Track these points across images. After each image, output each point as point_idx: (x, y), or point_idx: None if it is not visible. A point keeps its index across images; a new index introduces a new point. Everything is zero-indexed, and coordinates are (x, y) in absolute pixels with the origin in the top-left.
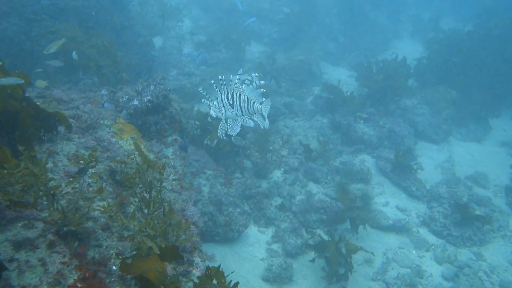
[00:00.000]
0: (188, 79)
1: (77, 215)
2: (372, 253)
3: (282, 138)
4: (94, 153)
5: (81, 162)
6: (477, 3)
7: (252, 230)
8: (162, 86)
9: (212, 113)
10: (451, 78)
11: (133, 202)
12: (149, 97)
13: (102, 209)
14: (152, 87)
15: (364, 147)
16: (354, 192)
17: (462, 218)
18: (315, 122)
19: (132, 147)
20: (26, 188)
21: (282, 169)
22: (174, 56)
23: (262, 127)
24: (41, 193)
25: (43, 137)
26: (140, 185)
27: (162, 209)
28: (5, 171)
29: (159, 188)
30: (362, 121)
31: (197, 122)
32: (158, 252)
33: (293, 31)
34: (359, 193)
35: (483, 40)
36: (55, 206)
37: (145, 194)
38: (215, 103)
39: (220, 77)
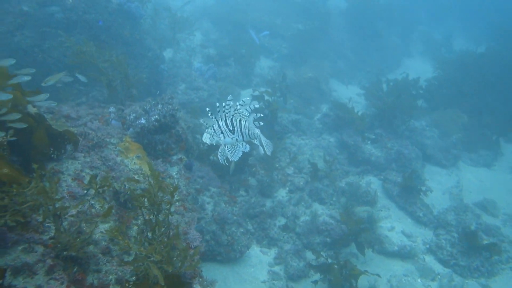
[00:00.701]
0: (196, 93)
1: (78, 239)
2: (378, 275)
3: (289, 156)
4: (108, 177)
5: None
6: (490, 24)
7: (255, 250)
8: (170, 106)
9: (206, 140)
10: (462, 101)
11: (136, 225)
12: (156, 117)
13: (106, 232)
14: (160, 106)
15: (371, 168)
16: (360, 215)
17: (470, 247)
18: (322, 141)
19: (137, 166)
20: (35, 207)
21: (287, 188)
22: (183, 70)
23: (262, 153)
24: (49, 213)
25: (52, 156)
26: (148, 207)
27: (168, 233)
28: (14, 190)
29: (167, 212)
30: (369, 141)
31: None
32: (163, 284)
33: (303, 47)
34: (365, 216)
35: (495, 63)
36: (61, 229)
37: (151, 217)
38: (211, 129)
39: (229, 97)
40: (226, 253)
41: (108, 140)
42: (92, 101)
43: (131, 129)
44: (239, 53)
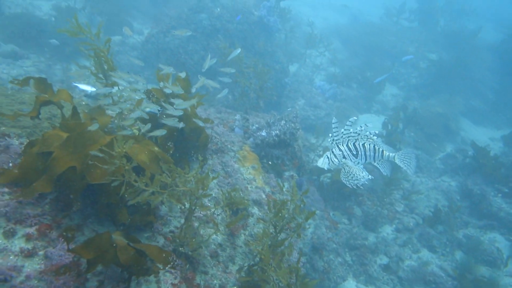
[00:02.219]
0: (314, 111)
1: (194, 239)
2: None
3: (403, 192)
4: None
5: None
6: None
7: (350, 284)
8: (292, 124)
9: (324, 165)
10: None
11: (243, 234)
12: (277, 132)
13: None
14: (283, 122)
15: (497, 225)
16: (477, 274)
17: None
18: (442, 183)
19: (252, 176)
20: (185, 194)
21: (394, 226)
22: (304, 85)
23: (384, 174)
24: (195, 204)
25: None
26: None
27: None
28: (180, 173)
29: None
30: (500, 194)
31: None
32: None
33: (434, 80)
34: (484, 277)
35: None
36: (186, 225)
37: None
38: (331, 154)
39: (352, 119)
40: (320, 281)
41: (229, 146)
42: (217, 104)
43: (251, 139)
44: (364, 76)
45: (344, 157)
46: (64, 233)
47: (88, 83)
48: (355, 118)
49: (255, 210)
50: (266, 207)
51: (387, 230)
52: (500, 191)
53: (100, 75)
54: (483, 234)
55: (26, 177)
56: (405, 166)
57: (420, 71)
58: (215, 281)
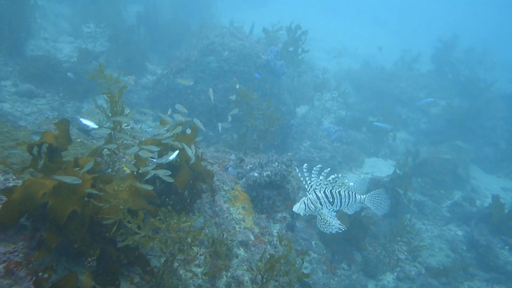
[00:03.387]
0: (319, 153)
1: (171, 281)
2: None
3: (408, 240)
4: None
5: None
6: None
7: None
8: (284, 166)
9: (300, 210)
10: None
11: (225, 276)
12: (268, 173)
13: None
14: (275, 164)
15: (505, 279)
16: None
17: None
18: (448, 232)
19: (241, 216)
20: (172, 241)
21: (396, 274)
22: (312, 128)
23: (349, 214)
24: (177, 252)
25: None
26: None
27: None
28: (175, 220)
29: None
30: (507, 247)
31: None
32: None
33: (445, 127)
34: None
35: None
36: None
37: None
38: (307, 200)
39: (326, 170)
40: None
41: (220, 186)
42: (223, 144)
43: (244, 179)
44: (372, 120)
45: (320, 203)
46: (40, 274)
47: (93, 120)
48: (328, 169)
49: (240, 251)
50: (253, 249)
51: (389, 278)
52: (508, 243)
53: (109, 114)
54: None
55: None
56: (374, 207)
57: (430, 117)
58: None
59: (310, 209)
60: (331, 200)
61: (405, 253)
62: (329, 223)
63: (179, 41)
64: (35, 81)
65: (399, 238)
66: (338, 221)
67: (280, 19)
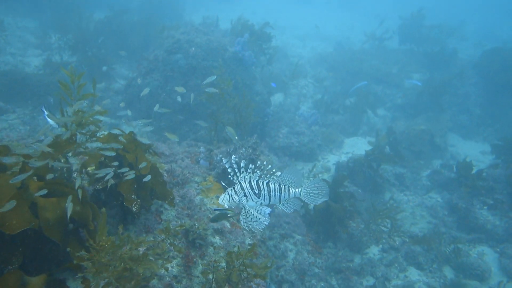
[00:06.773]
0: (297, 138)
1: (133, 282)
2: None
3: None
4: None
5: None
6: None
7: None
8: (251, 150)
9: (224, 202)
10: None
11: (202, 264)
12: (237, 159)
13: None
14: (243, 150)
15: (485, 237)
16: None
17: None
18: (428, 199)
19: (215, 206)
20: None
21: (381, 246)
22: (289, 114)
23: (288, 212)
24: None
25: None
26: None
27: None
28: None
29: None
30: (486, 207)
31: None
32: None
33: (420, 99)
34: None
35: None
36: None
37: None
38: (232, 191)
39: (234, 158)
40: None
41: (192, 178)
42: (200, 139)
43: (215, 170)
44: (348, 100)
45: (245, 195)
46: None
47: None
48: (261, 162)
49: (216, 239)
50: (228, 235)
51: (374, 251)
52: (486, 203)
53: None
54: (471, 248)
55: None
56: (310, 200)
57: (404, 91)
58: None
59: (234, 201)
60: (256, 192)
61: (388, 227)
62: (255, 217)
63: (147, 42)
64: (3, 97)
65: (380, 221)
66: (264, 216)
67: (254, 11)
